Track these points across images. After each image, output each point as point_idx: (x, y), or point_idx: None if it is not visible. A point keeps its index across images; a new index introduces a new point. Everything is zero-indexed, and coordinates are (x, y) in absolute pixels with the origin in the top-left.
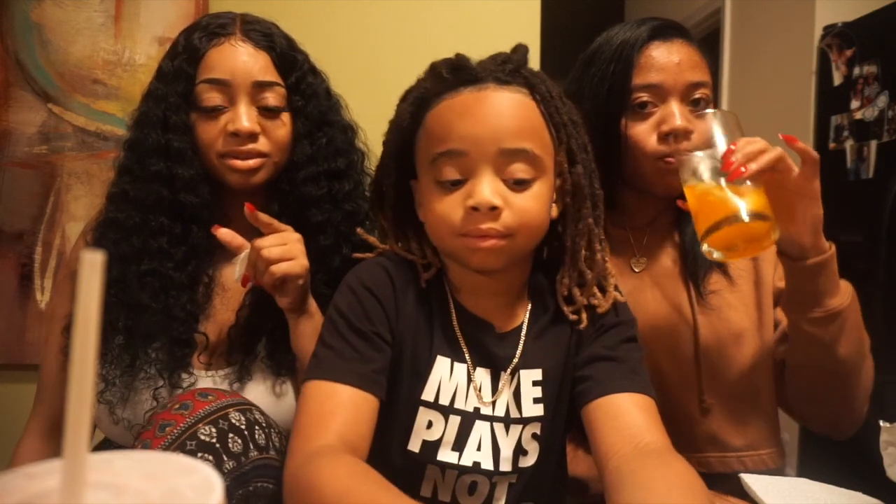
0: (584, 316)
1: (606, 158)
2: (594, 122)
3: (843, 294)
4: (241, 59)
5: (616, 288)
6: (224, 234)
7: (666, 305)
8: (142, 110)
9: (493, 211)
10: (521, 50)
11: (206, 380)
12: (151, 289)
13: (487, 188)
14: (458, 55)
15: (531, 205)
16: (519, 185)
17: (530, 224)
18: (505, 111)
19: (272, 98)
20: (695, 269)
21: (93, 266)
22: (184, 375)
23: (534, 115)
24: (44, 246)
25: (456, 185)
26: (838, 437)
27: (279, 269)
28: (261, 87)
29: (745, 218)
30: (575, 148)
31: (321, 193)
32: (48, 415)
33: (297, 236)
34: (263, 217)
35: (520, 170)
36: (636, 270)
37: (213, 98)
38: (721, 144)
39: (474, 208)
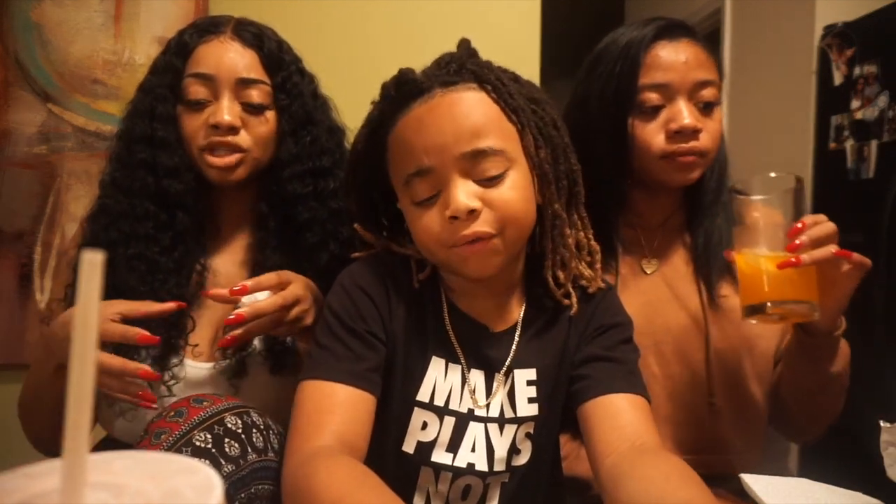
0: (574, 300)
1: (615, 158)
2: (601, 123)
3: (840, 359)
4: (227, 56)
5: (606, 280)
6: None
7: (677, 307)
8: (133, 102)
9: (473, 214)
10: (463, 44)
11: (204, 371)
12: (139, 272)
13: (461, 194)
14: (401, 69)
15: (510, 196)
16: (492, 181)
17: (515, 215)
18: (456, 114)
19: (256, 95)
20: (707, 273)
21: (93, 266)
22: (174, 360)
23: (487, 108)
24: (44, 246)
25: (432, 199)
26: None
27: (295, 328)
28: (245, 83)
29: (791, 305)
30: (541, 127)
31: (306, 191)
32: None
33: (289, 274)
34: (252, 283)
35: (487, 168)
36: (647, 272)
37: (197, 92)
38: (786, 215)
39: (454, 217)
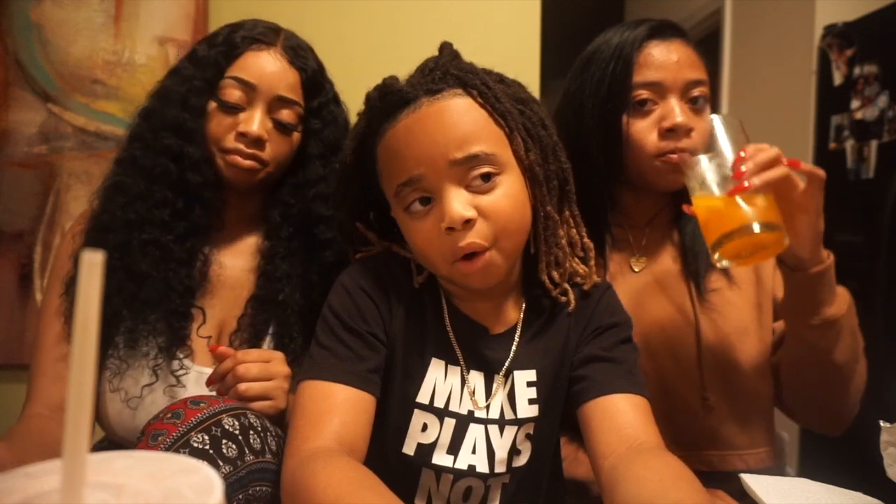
0: (571, 297)
1: (608, 157)
2: (595, 122)
3: (840, 302)
4: (272, 70)
5: (604, 279)
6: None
7: (667, 304)
8: (164, 84)
9: (469, 224)
10: (445, 49)
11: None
12: (152, 258)
13: (456, 204)
14: (385, 79)
15: (504, 204)
16: (485, 184)
17: (510, 224)
18: (445, 122)
19: (287, 114)
20: (695, 268)
21: (93, 266)
22: (181, 350)
23: (475, 113)
24: (44, 246)
25: (425, 204)
26: (832, 434)
27: (251, 389)
28: (281, 101)
29: (756, 229)
30: (529, 128)
31: (330, 213)
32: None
33: (280, 355)
34: (224, 350)
35: (480, 171)
36: (636, 270)
37: (233, 95)
38: (728, 152)
39: (450, 228)
